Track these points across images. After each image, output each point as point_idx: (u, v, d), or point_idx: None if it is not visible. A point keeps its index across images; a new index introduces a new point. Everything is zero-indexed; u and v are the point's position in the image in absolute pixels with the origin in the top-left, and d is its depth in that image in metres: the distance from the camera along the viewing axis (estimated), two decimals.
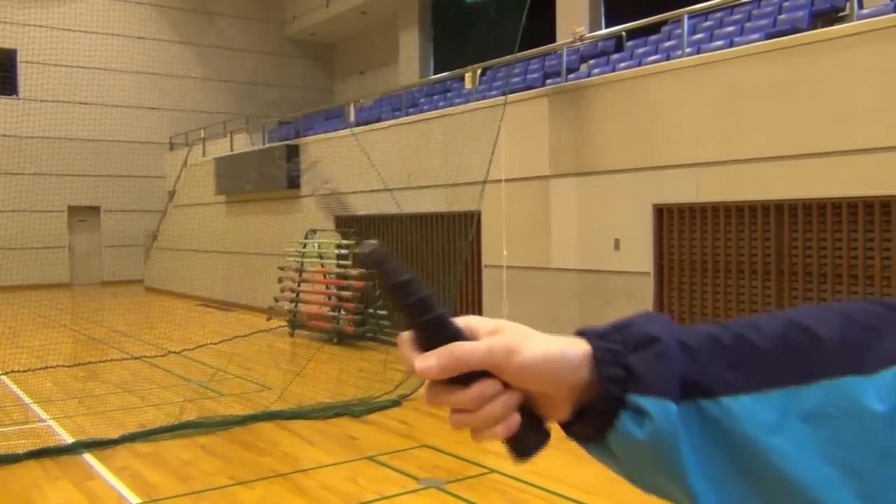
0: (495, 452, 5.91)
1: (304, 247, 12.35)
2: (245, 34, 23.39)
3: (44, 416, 7.29)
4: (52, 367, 8.20)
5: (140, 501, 5.03)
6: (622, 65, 9.99)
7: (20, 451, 5.90)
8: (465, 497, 4.99)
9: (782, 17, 8.76)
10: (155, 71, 22.14)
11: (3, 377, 8.47)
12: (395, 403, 7.39)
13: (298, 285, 12.24)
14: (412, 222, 11.18)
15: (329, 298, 11.54)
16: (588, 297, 8.69)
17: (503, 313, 9.62)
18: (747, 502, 0.59)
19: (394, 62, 20.86)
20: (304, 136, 15.40)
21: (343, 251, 11.47)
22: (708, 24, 10.15)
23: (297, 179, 14.40)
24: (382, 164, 10.98)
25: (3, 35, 18.83)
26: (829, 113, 6.55)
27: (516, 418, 0.62)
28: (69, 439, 6.34)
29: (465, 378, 0.61)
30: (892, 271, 6.26)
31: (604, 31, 12.97)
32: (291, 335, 12.15)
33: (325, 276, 11.86)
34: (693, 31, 9.77)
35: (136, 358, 9.59)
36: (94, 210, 21.79)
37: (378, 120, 13.67)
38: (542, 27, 13.96)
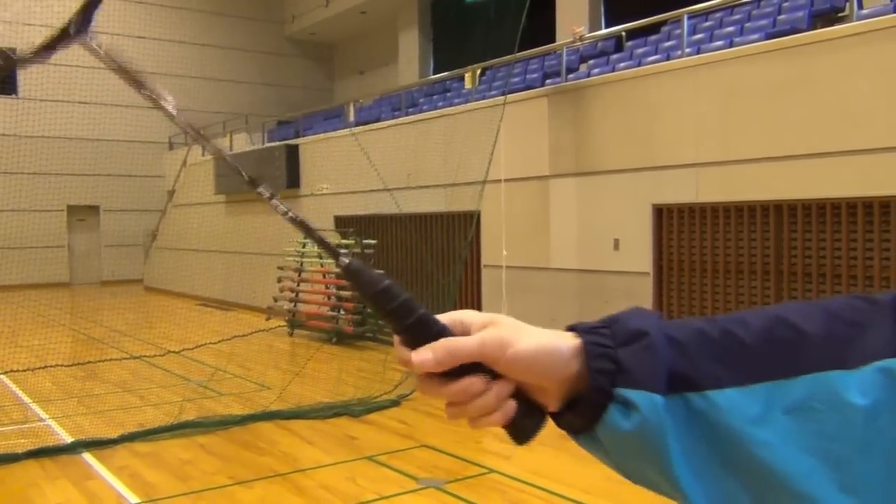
0: (495, 452, 5.91)
1: (304, 246, 12.34)
2: (245, 34, 23.40)
3: (43, 415, 7.29)
4: (51, 366, 8.19)
5: (139, 501, 5.03)
6: (622, 65, 9.99)
7: (19, 450, 5.90)
8: (464, 497, 4.99)
9: (782, 17, 8.76)
10: (154, 70, 22.11)
11: (2, 376, 8.47)
12: (395, 403, 7.39)
13: (298, 285, 12.23)
14: (412, 222, 11.18)
15: (328, 298, 11.54)
16: (587, 297, 8.69)
17: (502, 313, 9.60)
18: (732, 493, 0.61)
19: (393, 62, 20.87)
20: (304, 136, 15.40)
21: (342, 251, 11.44)
22: (708, 24, 10.15)
23: (297, 178, 14.41)
24: (382, 164, 10.97)
25: (2, 34, 18.81)
26: (829, 113, 6.55)
27: (512, 405, 0.64)
28: (68, 439, 6.34)
29: (460, 371, 0.64)
30: (892, 271, 6.27)
31: (603, 31, 12.97)
32: (291, 335, 12.15)
33: (324, 276, 11.86)
34: (693, 31, 9.78)
35: (135, 357, 9.59)
36: (94, 209, 21.79)
37: (377, 120, 13.67)
38: (541, 27, 13.96)
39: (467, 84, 11.15)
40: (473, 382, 0.64)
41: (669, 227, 7.92)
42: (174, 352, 9.21)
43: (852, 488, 0.57)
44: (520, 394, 0.65)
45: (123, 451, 6.11)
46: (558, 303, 9.03)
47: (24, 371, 7.85)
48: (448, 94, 14.04)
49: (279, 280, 12.50)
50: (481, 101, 10.57)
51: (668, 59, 8.73)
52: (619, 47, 11.66)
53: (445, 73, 13.98)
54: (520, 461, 5.40)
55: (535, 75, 11.86)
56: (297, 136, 15.93)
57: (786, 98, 6.85)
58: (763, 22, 8.94)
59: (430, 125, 11.23)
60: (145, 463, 5.81)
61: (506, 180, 9.48)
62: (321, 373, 8.97)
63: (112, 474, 5.55)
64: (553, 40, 13.15)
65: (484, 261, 10.17)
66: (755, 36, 8.27)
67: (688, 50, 8.65)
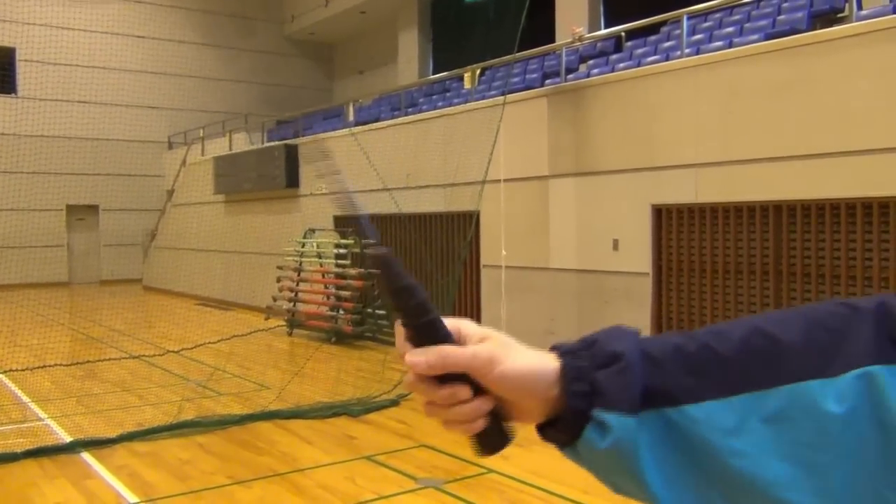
0: None
1: (303, 246, 12.34)
2: (244, 34, 23.39)
3: (42, 414, 7.29)
4: (50, 365, 8.19)
5: (138, 500, 5.03)
6: (621, 65, 10.00)
7: (18, 449, 5.89)
8: (463, 497, 4.99)
9: (781, 17, 8.77)
10: (154, 70, 22.13)
11: (1, 376, 8.46)
12: (394, 403, 7.39)
13: (297, 285, 12.23)
14: (411, 222, 11.18)
15: (327, 298, 11.54)
16: (586, 298, 8.69)
17: (501, 313, 9.63)
18: (711, 503, 0.63)
19: (393, 62, 20.87)
20: (303, 136, 15.40)
21: (342, 251, 11.46)
22: (707, 24, 10.16)
23: (296, 178, 14.40)
24: (381, 164, 10.97)
25: (2, 33, 18.79)
26: (828, 114, 6.55)
27: (481, 424, 0.68)
28: (67, 438, 6.34)
29: (447, 377, 0.68)
30: (891, 272, 6.27)
31: (603, 31, 12.97)
32: (290, 335, 12.15)
33: (323, 276, 11.86)
34: (692, 31, 9.78)
35: (134, 357, 9.59)
36: (93, 209, 21.78)
37: (377, 120, 13.68)
38: (541, 27, 13.97)
39: (467, 84, 11.15)
40: (459, 391, 0.67)
41: (669, 228, 7.92)
42: (173, 351, 9.21)
43: (830, 494, 0.59)
44: (495, 411, 0.69)
45: (122, 450, 6.11)
46: (557, 303, 9.03)
47: (23, 370, 7.85)
48: (447, 94, 14.04)
49: (278, 280, 12.50)
50: (481, 102, 10.57)
51: (667, 59, 8.73)
52: (618, 47, 11.66)
53: (445, 73, 13.98)
54: (519, 461, 5.39)
55: (534, 75, 11.86)
56: (296, 135, 15.93)
57: (785, 98, 6.85)
58: (762, 22, 8.94)
59: (430, 125, 11.23)
60: (144, 462, 5.81)
61: (505, 180, 9.48)
62: (320, 372, 8.97)
63: (111, 474, 5.55)
64: (553, 40, 13.15)
65: (483, 261, 10.17)
66: (755, 36, 8.28)
67: (687, 50, 8.66)
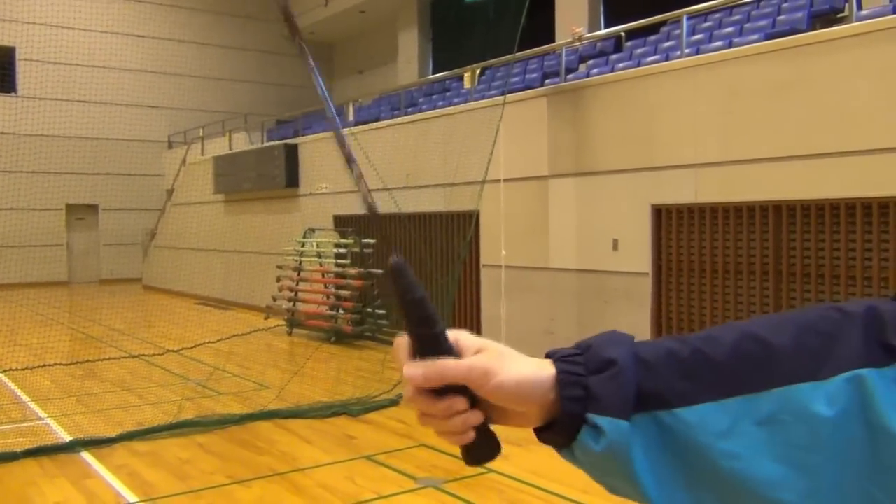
0: None
1: (303, 246, 12.34)
2: (244, 33, 23.37)
3: (41, 414, 7.29)
4: (49, 365, 8.19)
5: (138, 500, 5.03)
6: (621, 65, 10.00)
7: (18, 449, 5.90)
8: (462, 496, 4.99)
9: (781, 17, 8.77)
10: (154, 69, 22.13)
11: (0, 375, 8.46)
12: (393, 403, 7.39)
13: (297, 284, 12.23)
14: (411, 222, 11.18)
15: (327, 298, 11.54)
16: (586, 298, 8.69)
17: (501, 313, 9.63)
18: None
19: (393, 62, 20.86)
20: (303, 136, 15.40)
21: (341, 250, 11.46)
22: (707, 24, 10.16)
23: (296, 177, 14.41)
24: (381, 164, 10.96)
25: (2, 32, 18.79)
26: (828, 114, 6.55)
27: (470, 436, 0.70)
28: (67, 437, 6.34)
29: (445, 389, 0.69)
30: (891, 272, 6.27)
31: (603, 31, 12.97)
32: (289, 334, 12.15)
33: (323, 276, 11.86)
34: (692, 31, 9.78)
35: (134, 356, 9.59)
36: (93, 208, 21.77)
37: (377, 119, 13.67)
38: (541, 27, 13.96)
39: (466, 84, 11.15)
40: (456, 403, 0.69)
41: (668, 228, 7.92)
42: (173, 351, 9.21)
43: (822, 495, 0.60)
44: (485, 424, 0.71)
45: (122, 449, 6.11)
46: (557, 303, 9.03)
47: (23, 370, 7.85)
48: (447, 94, 14.04)
49: (278, 279, 12.50)
50: (480, 101, 10.57)
51: (667, 59, 8.73)
52: (618, 47, 11.66)
53: (445, 73, 13.98)
54: (518, 461, 5.40)
55: (534, 75, 11.86)
56: (296, 135, 15.92)
57: (785, 98, 6.85)
58: (762, 22, 8.94)
59: (430, 125, 11.23)
60: (144, 462, 5.81)
61: (505, 180, 9.48)
62: (320, 372, 8.98)
63: (111, 473, 5.55)
64: (552, 40, 13.15)
65: (483, 260, 10.17)
66: (754, 36, 8.28)
67: (687, 50, 8.66)
